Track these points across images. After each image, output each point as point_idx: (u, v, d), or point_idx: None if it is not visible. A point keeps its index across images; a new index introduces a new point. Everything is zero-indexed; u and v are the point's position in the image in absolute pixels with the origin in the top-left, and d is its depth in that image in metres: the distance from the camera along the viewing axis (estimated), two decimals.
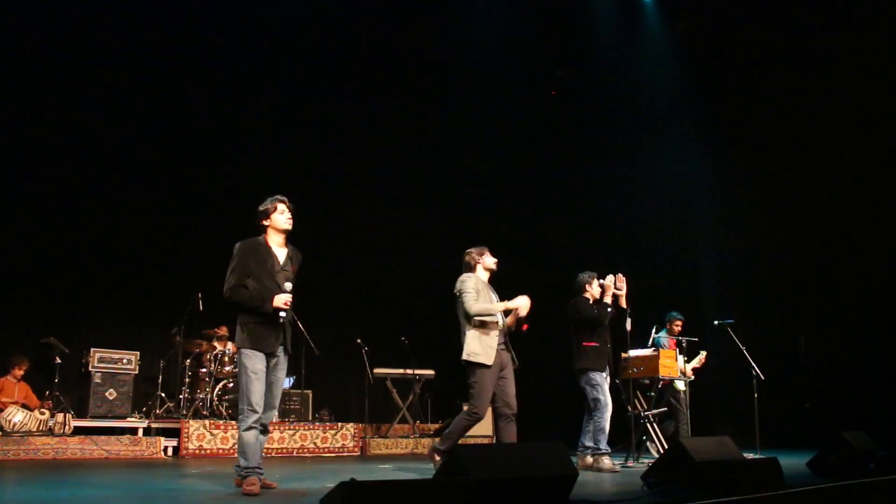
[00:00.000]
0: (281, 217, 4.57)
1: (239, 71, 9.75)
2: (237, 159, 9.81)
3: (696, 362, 8.20)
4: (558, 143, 12.17)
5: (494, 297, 5.52)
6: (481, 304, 5.33)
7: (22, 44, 8.33)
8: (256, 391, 4.33)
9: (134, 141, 9.09)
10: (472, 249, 5.64)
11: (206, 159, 9.54)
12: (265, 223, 4.58)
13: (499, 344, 5.35)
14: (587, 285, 6.56)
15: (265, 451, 7.88)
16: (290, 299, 4.43)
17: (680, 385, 7.86)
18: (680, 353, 7.97)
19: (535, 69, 11.96)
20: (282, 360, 4.55)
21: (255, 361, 4.36)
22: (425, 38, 11.00)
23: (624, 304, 6.52)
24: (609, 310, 6.40)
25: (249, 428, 4.33)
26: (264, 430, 4.49)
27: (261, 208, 4.61)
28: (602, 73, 11.92)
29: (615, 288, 6.47)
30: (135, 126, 9.07)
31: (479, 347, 5.26)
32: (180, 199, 9.33)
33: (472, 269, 5.59)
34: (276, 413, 4.61)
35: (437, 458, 5.31)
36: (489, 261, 5.59)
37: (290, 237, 4.69)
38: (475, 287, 5.39)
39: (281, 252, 4.59)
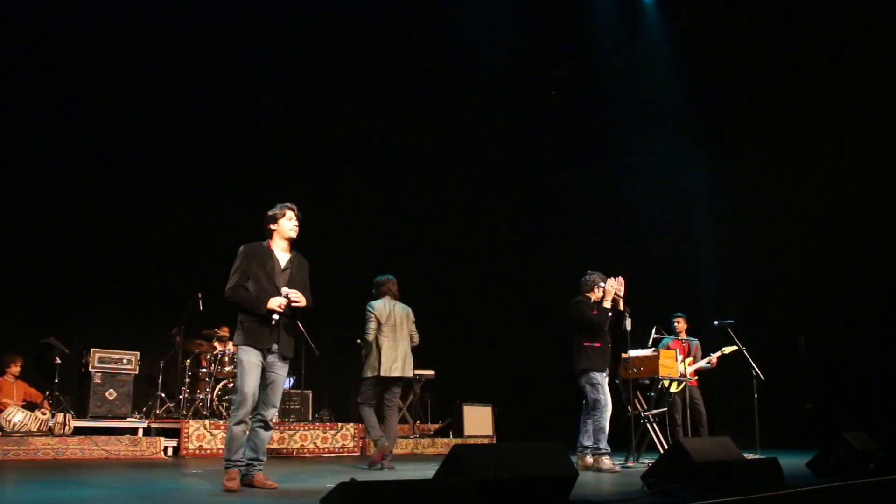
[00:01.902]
0: (288, 224, 4.71)
1: (239, 71, 9.75)
2: (237, 159, 9.81)
3: (702, 363, 8.14)
4: (558, 142, 12.17)
5: None
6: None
7: (23, 44, 8.33)
8: (249, 381, 4.44)
9: (134, 141, 9.08)
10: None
11: (206, 159, 9.53)
12: (272, 227, 4.72)
13: None
14: (595, 287, 6.54)
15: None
16: (285, 303, 4.53)
17: (665, 384, 7.83)
18: (688, 354, 7.98)
19: (535, 69, 11.96)
20: (279, 360, 4.61)
21: (249, 355, 4.50)
22: (425, 38, 10.99)
23: (622, 307, 6.52)
24: (608, 314, 6.40)
25: (239, 422, 4.44)
26: (266, 427, 4.60)
27: (269, 213, 4.75)
28: (602, 73, 11.92)
29: (615, 292, 6.46)
30: (134, 126, 9.07)
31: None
32: (180, 199, 9.32)
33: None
34: (277, 412, 4.72)
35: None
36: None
37: (294, 242, 4.80)
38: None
39: (283, 256, 4.72)
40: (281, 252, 4.72)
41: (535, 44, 11.57)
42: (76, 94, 8.65)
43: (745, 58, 11.22)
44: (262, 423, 4.58)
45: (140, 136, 9.12)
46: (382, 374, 6.32)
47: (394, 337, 6.42)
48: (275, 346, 4.57)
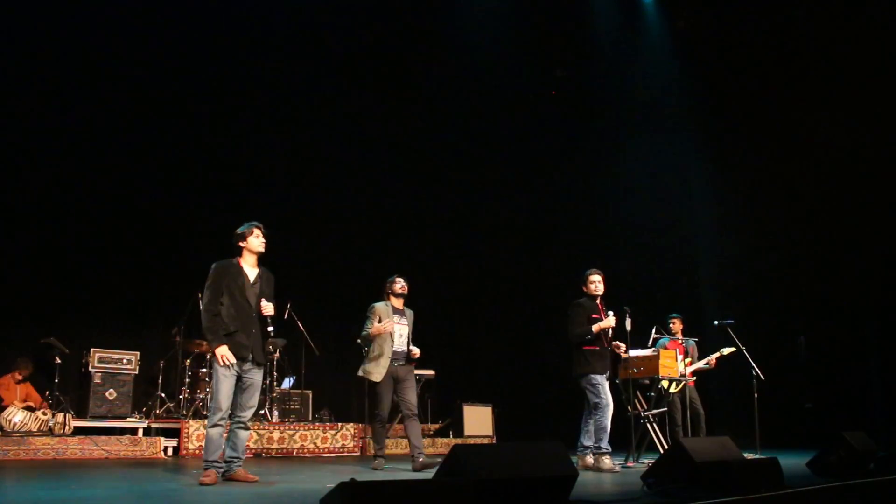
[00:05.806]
0: (256, 241, 5.11)
1: (237, 72, 9.74)
2: (236, 160, 9.81)
3: (701, 364, 8.14)
4: (558, 142, 12.18)
5: (401, 319, 6.52)
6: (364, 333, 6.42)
7: (23, 44, 8.32)
8: (223, 391, 4.83)
9: (133, 141, 9.08)
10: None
11: (206, 159, 9.53)
12: (241, 245, 5.11)
13: (393, 361, 6.32)
14: (588, 281, 6.58)
15: (263, 449, 7.91)
16: (230, 357, 4.84)
17: (664, 384, 7.83)
18: (685, 354, 7.97)
19: (535, 69, 11.97)
20: (254, 366, 5.02)
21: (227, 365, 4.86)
22: (426, 37, 10.99)
23: (608, 344, 6.52)
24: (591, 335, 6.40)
25: (215, 425, 4.84)
26: (245, 427, 5.02)
27: (238, 231, 5.12)
28: (602, 73, 11.93)
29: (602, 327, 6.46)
30: (134, 126, 9.06)
31: (371, 367, 6.33)
32: (180, 198, 9.32)
33: (382, 297, 6.55)
34: (253, 412, 5.13)
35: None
36: (395, 287, 6.53)
37: (263, 259, 5.18)
38: (375, 314, 6.40)
39: (252, 272, 5.13)
40: (249, 268, 5.12)
41: (535, 44, 11.57)
42: (76, 94, 8.64)
43: (745, 57, 11.24)
44: (240, 425, 4.99)
45: (140, 136, 9.11)
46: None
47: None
48: (250, 355, 4.96)
